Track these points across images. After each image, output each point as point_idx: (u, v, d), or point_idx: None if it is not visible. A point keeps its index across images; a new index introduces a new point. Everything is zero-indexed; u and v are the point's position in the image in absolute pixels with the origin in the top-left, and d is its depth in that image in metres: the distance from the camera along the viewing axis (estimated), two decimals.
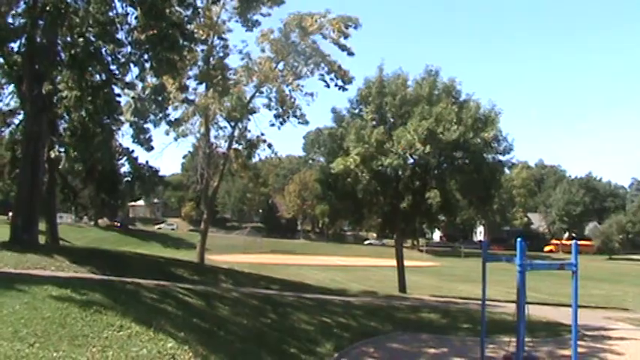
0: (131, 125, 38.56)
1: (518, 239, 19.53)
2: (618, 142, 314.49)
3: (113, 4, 32.84)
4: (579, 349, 22.90)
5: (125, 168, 47.80)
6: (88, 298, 18.29)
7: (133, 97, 39.13)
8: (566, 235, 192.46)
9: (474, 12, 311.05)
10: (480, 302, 26.04)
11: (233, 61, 60.64)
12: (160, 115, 45.38)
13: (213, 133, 56.74)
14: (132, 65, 34.33)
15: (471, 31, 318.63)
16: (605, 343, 29.11)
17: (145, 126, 39.39)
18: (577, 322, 20.34)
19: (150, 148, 39.35)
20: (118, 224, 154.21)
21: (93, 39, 31.80)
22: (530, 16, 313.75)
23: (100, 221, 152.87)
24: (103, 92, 32.41)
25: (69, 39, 32.60)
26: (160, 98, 37.48)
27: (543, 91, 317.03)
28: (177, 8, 33.90)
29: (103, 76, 33.48)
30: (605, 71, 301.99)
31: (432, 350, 26.77)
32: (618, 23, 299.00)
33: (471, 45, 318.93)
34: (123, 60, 33.60)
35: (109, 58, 33.32)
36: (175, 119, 50.67)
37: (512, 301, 24.21)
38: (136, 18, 32.90)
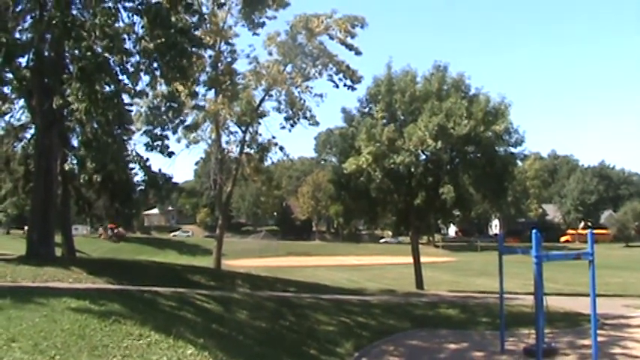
0: (145, 133, 38.61)
1: (534, 231, 19.58)
2: (631, 129, 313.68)
3: (119, 15, 32.91)
4: (599, 339, 22.96)
5: (138, 177, 47.80)
6: (107, 308, 18.36)
7: (148, 107, 39.26)
8: (582, 224, 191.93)
9: (480, 4, 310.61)
10: (497, 295, 26.12)
11: (241, 65, 61.17)
12: (177, 121, 45.49)
13: (224, 138, 56.73)
14: (142, 74, 34.40)
15: (478, 23, 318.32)
16: (625, 331, 29.12)
17: (162, 133, 39.39)
18: (596, 311, 20.37)
19: (170, 154, 39.29)
20: (108, 236, 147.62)
21: (100, 50, 31.85)
22: (536, 4, 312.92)
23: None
24: (113, 103, 32.43)
25: (77, 52, 32.64)
26: (174, 104, 37.55)
27: (553, 81, 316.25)
28: (183, 15, 33.95)
29: (113, 87, 33.50)
30: (614, 58, 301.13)
31: (452, 346, 26.81)
32: (628, 7, 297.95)
33: (479, 38, 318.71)
34: (132, 70, 33.64)
35: (118, 69, 33.34)
36: (188, 126, 50.86)
37: (530, 293, 24.26)
38: (142, 27, 32.95)
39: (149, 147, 38.24)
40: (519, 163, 62.65)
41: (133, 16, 33.25)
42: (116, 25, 32.23)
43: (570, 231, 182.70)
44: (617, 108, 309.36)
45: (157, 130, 38.39)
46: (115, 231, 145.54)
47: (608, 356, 23.35)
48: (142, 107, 42.02)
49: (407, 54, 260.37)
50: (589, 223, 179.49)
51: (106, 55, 31.75)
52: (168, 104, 36.92)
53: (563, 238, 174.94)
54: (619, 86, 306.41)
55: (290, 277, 55.81)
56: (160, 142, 37.82)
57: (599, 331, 23.54)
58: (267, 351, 21.22)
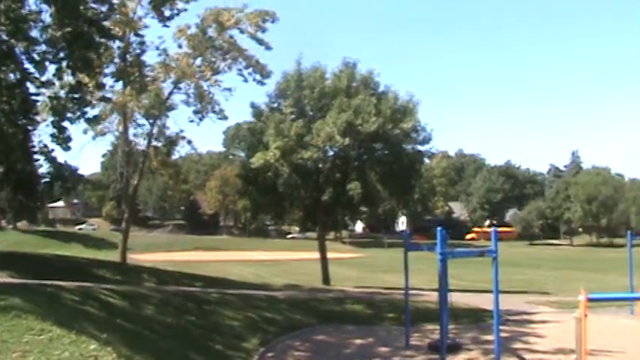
0: (51, 124, 38.02)
1: (438, 228, 19.80)
2: (536, 130, 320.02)
3: (25, 1, 32.31)
4: (502, 334, 23.34)
5: (43, 168, 46.95)
6: (7, 303, 17.97)
7: (49, 97, 38.56)
8: (487, 222, 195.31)
9: (390, 3, 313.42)
10: (403, 291, 26.37)
11: (150, 57, 60.54)
12: (79, 113, 44.77)
13: (131, 130, 55.93)
14: (48, 63, 33.81)
15: (389, 21, 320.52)
16: (528, 327, 29.72)
17: (63, 125, 38.81)
18: (498, 307, 20.72)
19: (67, 148, 38.73)
20: None
21: (5, 37, 31.23)
22: (443, 6, 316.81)
23: (18, 224, 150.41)
24: (17, 91, 31.85)
25: None
26: (77, 96, 37.02)
27: (461, 81, 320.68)
28: (92, 5, 33.45)
29: (18, 75, 32.87)
30: (520, 60, 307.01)
31: (358, 341, 26.94)
32: (526, 12, 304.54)
33: (388, 35, 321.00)
34: (38, 58, 33.04)
35: (24, 57, 32.73)
36: (94, 116, 50.03)
37: (435, 290, 24.57)
38: (50, 15, 32.39)
39: (55, 139, 37.68)
40: (426, 160, 63.52)
41: (40, 3, 32.66)
42: (22, 11, 31.64)
43: (476, 229, 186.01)
44: (523, 108, 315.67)
45: (60, 122, 37.85)
46: None
47: (510, 351, 23.73)
48: (47, 98, 41.35)
49: (317, 50, 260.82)
50: (494, 221, 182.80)
51: (11, 42, 31.16)
52: (71, 95, 36.37)
53: (468, 236, 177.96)
54: (523, 88, 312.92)
55: (197, 271, 55.59)
56: (62, 135, 37.29)
57: (502, 327, 23.92)
58: (173, 346, 21.07)
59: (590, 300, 14.49)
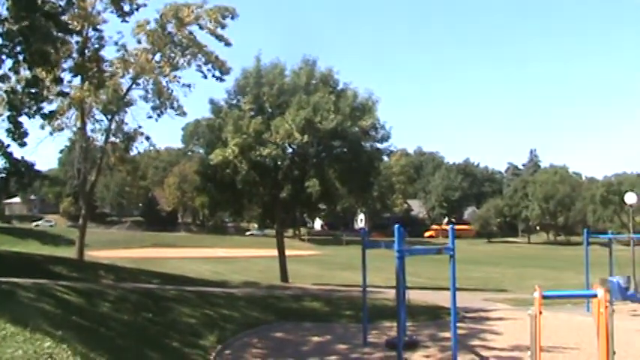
0: (7, 119, 37.54)
1: (396, 226, 19.81)
2: (494, 129, 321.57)
3: None
4: (460, 331, 23.47)
5: None
6: None
7: (6, 91, 38.14)
8: (446, 220, 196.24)
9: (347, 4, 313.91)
10: (361, 289, 26.39)
11: (109, 52, 59.70)
12: (35, 108, 44.32)
13: (89, 126, 55.60)
14: (5, 57, 33.45)
15: (345, 18, 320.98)
16: (485, 324, 29.88)
17: (20, 119, 38.38)
18: (456, 304, 20.80)
19: (23, 144, 38.33)
20: None
21: None
22: (403, 2, 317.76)
23: None
24: None
25: None
26: (34, 91, 36.61)
27: (420, 79, 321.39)
28: None
29: None
30: (476, 59, 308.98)
31: (316, 338, 26.90)
32: (487, 12, 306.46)
33: (348, 34, 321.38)
34: None
35: None
36: (50, 112, 49.53)
37: (393, 287, 24.58)
38: (7, 8, 32.04)
39: (10, 134, 37.26)
40: (385, 158, 63.58)
41: None
42: None
43: (434, 226, 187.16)
44: (482, 107, 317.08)
45: (16, 117, 37.44)
46: None
47: (467, 348, 23.83)
48: (4, 92, 40.94)
49: (279, 49, 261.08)
50: (453, 219, 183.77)
51: None
52: (27, 90, 35.98)
53: (427, 233, 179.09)
54: (483, 86, 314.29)
55: (155, 268, 55.26)
56: (18, 130, 36.90)
57: (459, 324, 24.07)
58: (129, 343, 20.88)
59: (545, 297, 14.56)
